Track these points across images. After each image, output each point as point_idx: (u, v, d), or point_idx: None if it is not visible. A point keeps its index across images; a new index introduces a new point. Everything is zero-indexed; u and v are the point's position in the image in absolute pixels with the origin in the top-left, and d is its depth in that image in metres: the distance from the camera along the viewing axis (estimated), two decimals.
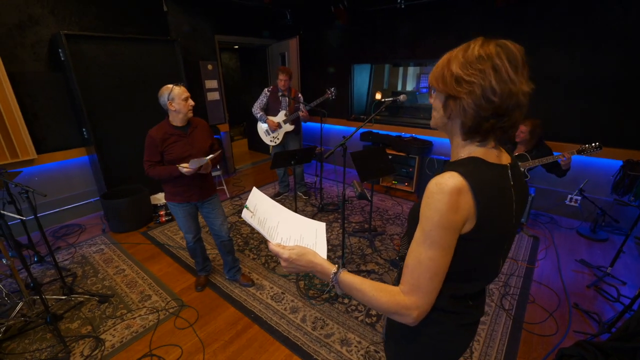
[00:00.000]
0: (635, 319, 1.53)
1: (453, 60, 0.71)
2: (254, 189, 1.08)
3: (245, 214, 1.04)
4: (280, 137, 3.86)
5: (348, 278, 0.79)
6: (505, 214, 0.76)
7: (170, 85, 1.98)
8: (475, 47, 0.69)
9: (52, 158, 3.41)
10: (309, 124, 5.48)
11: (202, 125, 2.19)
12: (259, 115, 3.76)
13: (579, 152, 2.75)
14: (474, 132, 0.73)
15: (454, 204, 0.67)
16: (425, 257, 0.71)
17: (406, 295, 0.73)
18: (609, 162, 3.12)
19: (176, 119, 2.05)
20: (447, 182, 0.68)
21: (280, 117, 3.78)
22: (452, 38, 3.74)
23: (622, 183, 2.82)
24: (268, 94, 3.74)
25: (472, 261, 0.77)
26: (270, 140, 3.90)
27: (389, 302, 0.74)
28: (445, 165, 0.77)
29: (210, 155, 2.05)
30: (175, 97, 1.97)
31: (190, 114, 2.08)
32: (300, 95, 3.83)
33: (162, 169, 2.04)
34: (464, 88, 0.69)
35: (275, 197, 4.27)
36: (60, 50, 3.14)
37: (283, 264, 0.84)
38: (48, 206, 3.50)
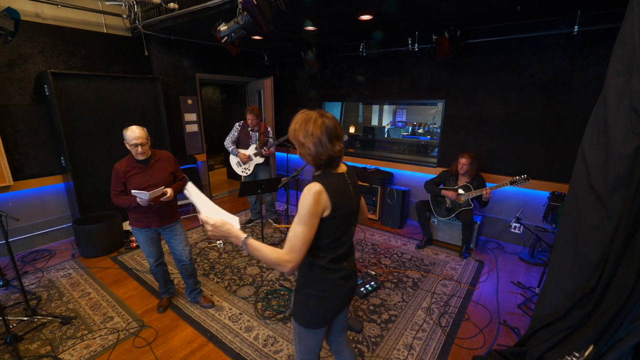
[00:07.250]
0: (530, 329, 1.78)
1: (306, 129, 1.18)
2: (189, 184, 1.41)
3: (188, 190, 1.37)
4: (251, 168, 4.14)
5: (253, 242, 1.17)
6: (347, 199, 1.24)
7: (131, 127, 2.20)
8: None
9: (28, 185, 3.57)
10: (291, 155, 5.74)
11: (165, 158, 2.40)
12: (230, 148, 4.05)
13: (512, 183, 3.13)
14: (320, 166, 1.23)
15: (317, 200, 1.13)
16: (299, 231, 1.14)
17: (286, 254, 1.14)
18: (543, 193, 3.50)
19: (135, 155, 2.27)
20: (313, 187, 1.14)
21: (251, 150, 4.06)
22: (407, 80, 4.22)
23: (549, 212, 3.18)
24: (239, 128, 4.06)
25: (336, 232, 1.24)
26: (242, 172, 4.17)
27: (276, 258, 1.13)
28: (312, 178, 1.20)
29: (153, 190, 2.15)
30: (127, 139, 2.20)
31: (141, 157, 2.26)
32: (269, 129, 4.16)
33: (124, 198, 2.25)
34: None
35: (246, 223, 4.47)
36: (45, 86, 3.42)
37: (209, 228, 1.19)
38: (20, 231, 3.59)
